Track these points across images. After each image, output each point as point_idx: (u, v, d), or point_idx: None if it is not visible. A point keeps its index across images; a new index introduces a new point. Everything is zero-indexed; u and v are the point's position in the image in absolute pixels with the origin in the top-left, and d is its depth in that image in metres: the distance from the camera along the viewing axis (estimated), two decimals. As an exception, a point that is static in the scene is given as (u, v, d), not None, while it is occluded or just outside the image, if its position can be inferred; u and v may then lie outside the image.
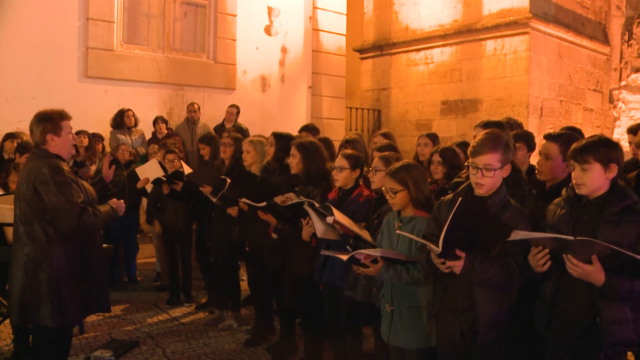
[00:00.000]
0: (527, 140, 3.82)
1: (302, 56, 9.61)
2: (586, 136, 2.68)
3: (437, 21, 10.48)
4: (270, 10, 9.12)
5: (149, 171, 5.70)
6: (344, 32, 10.14)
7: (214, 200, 4.63)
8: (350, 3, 10.41)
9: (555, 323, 2.49)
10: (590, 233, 2.35)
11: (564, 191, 2.57)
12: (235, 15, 8.77)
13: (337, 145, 5.40)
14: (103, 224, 3.27)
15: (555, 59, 9.81)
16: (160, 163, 5.82)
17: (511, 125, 4.21)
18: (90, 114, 7.08)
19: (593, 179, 2.39)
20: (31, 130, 3.19)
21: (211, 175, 4.74)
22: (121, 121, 7.28)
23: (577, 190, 2.44)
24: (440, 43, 10.39)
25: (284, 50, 9.35)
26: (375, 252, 2.74)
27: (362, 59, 11.97)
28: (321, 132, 5.94)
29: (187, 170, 5.28)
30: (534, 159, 4.56)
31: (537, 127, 9.30)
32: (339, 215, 3.16)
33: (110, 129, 7.29)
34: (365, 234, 3.21)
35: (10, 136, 6.05)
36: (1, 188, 4.62)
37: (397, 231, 2.86)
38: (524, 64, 9.26)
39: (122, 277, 6.47)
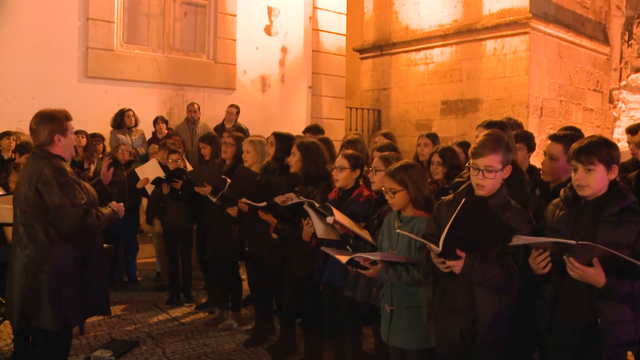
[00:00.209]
0: (527, 140, 3.84)
1: (302, 56, 9.61)
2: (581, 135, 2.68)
3: (437, 21, 10.48)
4: (270, 10, 9.12)
5: (149, 171, 5.71)
6: (344, 32, 10.14)
7: (214, 200, 4.63)
8: (350, 3, 10.41)
9: (556, 323, 2.49)
10: (589, 234, 2.35)
11: (562, 192, 2.57)
12: (235, 15, 8.77)
13: (337, 145, 5.40)
14: (105, 226, 3.26)
15: (555, 59, 9.81)
16: (160, 163, 5.82)
17: (511, 125, 4.21)
18: (90, 114, 7.09)
19: (597, 180, 2.39)
20: (35, 130, 3.09)
21: (211, 175, 4.74)
22: (121, 121, 7.28)
23: (579, 192, 2.44)
24: (440, 43, 10.39)
25: (284, 50, 9.35)
26: (374, 257, 2.74)
27: (362, 59, 11.97)
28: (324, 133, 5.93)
29: (189, 169, 5.28)
30: (534, 159, 4.58)
31: (537, 127, 9.30)
32: (339, 216, 3.16)
33: (111, 128, 7.29)
34: (366, 234, 3.21)
35: (6, 134, 6.05)
36: (1, 188, 4.62)
37: (397, 230, 2.86)
38: (524, 64, 9.26)
39: (122, 277, 6.47)
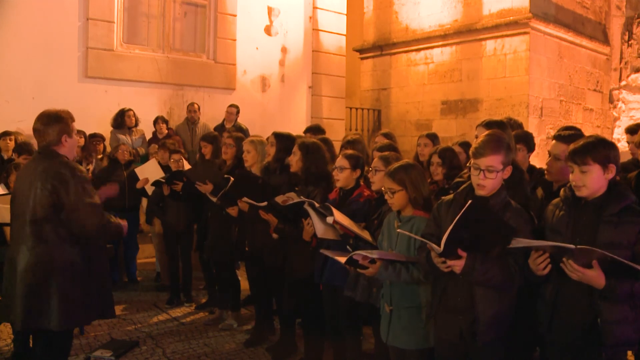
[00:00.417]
0: (527, 141, 3.84)
1: (302, 56, 9.61)
2: (587, 136, 2.69)
3: (437, 21, 10.48)
4: (270, 10, 9.12)
5: (149, 171, 5.71)
6: (344, 32, 10.14)
7: (214, 199, 4.63)
8: (350, 3, 10.41)
9: (556, 323, 2.49)
10: (589, 234, 2.35)
11: (562, 191, 2.57)
12: (235, 15, 8.77)
13: (337, 145, 5.40)
14: (110, 235, 3.24)
15: (555, 59, 9.81)
16: (159, 163, 5.83)
17: (511, 125, 4.21)
18: (90, 114, 7.08)
19: (593, 181, 2.39)
20: (42, 131, 3.08)
21: (211, 173, 4.73)
22: (122, 121, 7.28)
23: (576, 192, 2.44)
24: (440, 43, 10.39)
25: (284, 50, 9.35)
26: (372, 254, 2.74)
27: (362, 59, 11.97)
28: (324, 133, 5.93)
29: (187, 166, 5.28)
30: (534, 159, 4.58)
31: (537, 127, 9.31)
32: (338, 216, 3.16)
33: (111, 128, 7.30)
34: (366, 234, 3.21)
35: (5, 134, 6.05)
36: (4, 187, 4.61)
37: (397, 230, 2.86)
38: (524, 64, 9.26)
39: (122, 277, 6.47)
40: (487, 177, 2.51)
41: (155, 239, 6.27)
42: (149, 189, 5.70)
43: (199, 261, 5.71)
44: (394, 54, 11.24)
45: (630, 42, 11.11)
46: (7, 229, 3.88)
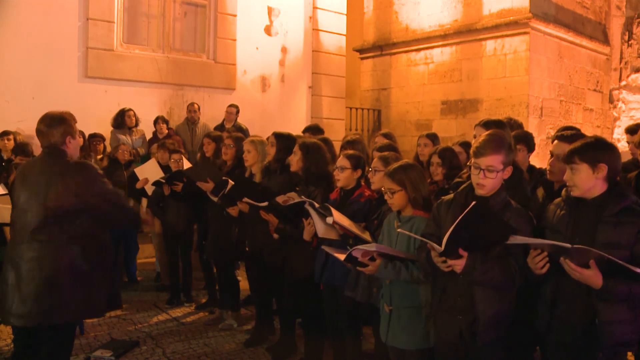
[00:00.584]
0: (527, 141, 3.85)
1: (302, 56, 9.61)
2: (586, 136, 2.69)
3: (437, 21, 10.48)
4: (270, 10, 9.12)
5: (148, 171, 5.71)
6: (344, 32, 10.13)
7: (215, 199, 4.62)
8: (350, 3, 10.40)
9: (555, 323, 2.49)
10: (589, 234, 2.36)
11: (563, 191, 2.58)
12: (235, 15, 8.77)
13: (337, 145, 5.40)
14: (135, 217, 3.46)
15: (555, 59, 9.81)
16: (159, 163, 5.82)
17: (511, 125, 4.22)
18: (90, 114, 7.07)
19: (582, 180, 2.41)
20: (46, 133, 3.12)
21: (211, 172, 4.73)
22: (122, 121, 7.28)
23: (570, 192, 2.47)
24: (440, 43, 10.39)
25: (284, 50, 9.35)
26: (370, 247, 2.74)
27: (362, 59, 11.97)
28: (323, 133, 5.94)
29: (187, 166, 5.29)
30: (533, 159, 4.58)
31: (537, 127, 9.31)
32: (337, 216, 3.16)
33: (111, 128, 7.29)
34: (366, 235, 3.22)
35: (4, 134, 6.05)
36: (4, 187, 4.61)
37: (397, 230, 2.86)
38: (524, 64, 9.26)
39: (122, 277, 6.47)
40: (487, 176, 2.51)
41: (155, 239, 6.27)
42: (149, 189, 5.71)
43: (199, 261, 5.71)
44: (394, 54, 11.24)
45: (630, 42, 11.11)
46: (7, 229, 3.88)
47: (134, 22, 8.13)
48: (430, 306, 2.73)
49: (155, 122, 7.47)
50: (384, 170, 3.14)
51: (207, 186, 4.66)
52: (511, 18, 9.34)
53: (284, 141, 4.33)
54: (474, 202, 2.30)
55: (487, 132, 2.70)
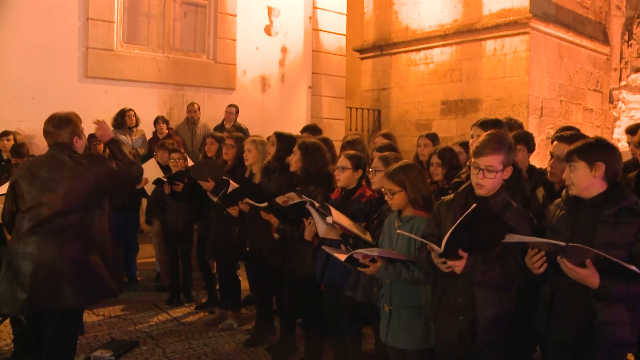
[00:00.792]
0: (527, 141, 3.84)
1: (302, 56, 9.61)
2: (587, 136, 2.70)
3: (437, 21, 10.48)
4: (270, 10, 9.12)
5: (148, 171, 5.69)
6: (344, 32, 10.13)
7: (215, 199, 4.63)
8: (350, 3, 10.40)
9: (554, 323, 2.49)
10: (587, 234, 2.35)
11: (564, 192, 2.58)
12: (235, 15, 8.77)
13: (337, 145, 5.41)
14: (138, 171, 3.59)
15: (555, 59, 9.81)
16: (158, 163, 5.82)
17: (511, 125, 4.23)
18: (90, 114, 6.97)
19: (579, 178, 2.41)
20: (53, 133, 3.21)
21: (213, 171, 4.73)
22: (122, 121, 7.28)
23: (569, 191, 2.47)
24: (440, 43, 10.39)
25: (284, 50, 9.35)
26: (372, 252, 2.74)
27: (362, 59, 11.97)
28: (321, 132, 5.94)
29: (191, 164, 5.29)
30: (533, 159, 4.58)
31: (537, 127, 9.31)
32: (337, 216, 3.16)
33: (111, 128, 7.28)
34: (367, 235, 3.21)
35: (4, 134, 6.04)
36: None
37: (398, 230, 2.86)
38: (524, 64, 9.26)
39: (122, 276, 6.47)
40: (487, 176, 2.51)
41: (155, 239, 6.26)
42: (149, 189, 5.70)
43: (197, 261, 5.71)
44: (394, 54, 11.24)
45: (630, 42, 11.11)
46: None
47: (134, 22, 8.13)
48: (431, 306, 2.72)
49: (156, 122, 7.47)
50: (384, 170, 3.14)
51: (208, 185, 4.67)
52: (511, 18, 9.34)
53: (284, 141, 4.33)
54: (474, 205, 2.29)
55: (487, 132, 2.69)
